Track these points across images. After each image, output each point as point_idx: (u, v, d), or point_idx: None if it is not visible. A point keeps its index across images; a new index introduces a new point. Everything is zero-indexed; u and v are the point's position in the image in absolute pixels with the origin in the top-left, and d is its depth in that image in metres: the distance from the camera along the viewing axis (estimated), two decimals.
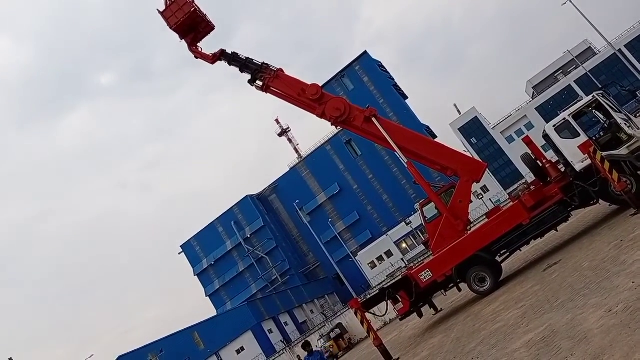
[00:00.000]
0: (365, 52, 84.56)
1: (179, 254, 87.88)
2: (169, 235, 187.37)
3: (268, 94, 17.15)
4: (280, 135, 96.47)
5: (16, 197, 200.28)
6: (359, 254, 71.60)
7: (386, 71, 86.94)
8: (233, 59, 17.37)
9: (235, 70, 17.45)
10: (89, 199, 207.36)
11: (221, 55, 17.51)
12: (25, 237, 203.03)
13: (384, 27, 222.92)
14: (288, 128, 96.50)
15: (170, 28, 17.50)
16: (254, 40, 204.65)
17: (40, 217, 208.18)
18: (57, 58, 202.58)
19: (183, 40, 17.88)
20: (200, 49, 17.98)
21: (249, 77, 17.20)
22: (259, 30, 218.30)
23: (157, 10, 17.59)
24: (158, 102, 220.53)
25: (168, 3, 17.47)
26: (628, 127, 13.15)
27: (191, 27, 17.62)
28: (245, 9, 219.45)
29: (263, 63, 17.06)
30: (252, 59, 17.27)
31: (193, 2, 17.53)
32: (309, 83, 16.61)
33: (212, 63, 17.75)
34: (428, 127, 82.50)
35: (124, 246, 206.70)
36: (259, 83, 17.01)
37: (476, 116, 76.03)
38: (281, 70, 16.93)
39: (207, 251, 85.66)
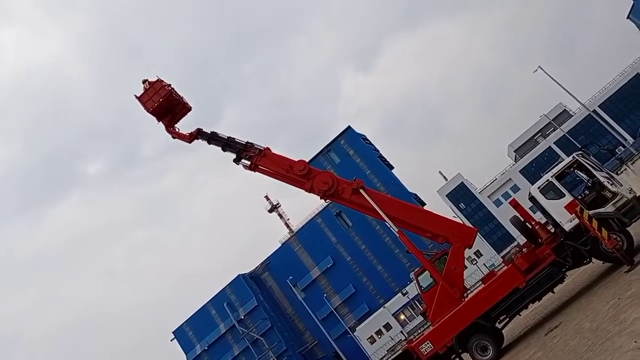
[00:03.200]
0: (349, 127, 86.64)
1: (171, 340, 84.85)
2: (162, 321, 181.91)
3: (256, 172, 17.37)
4: (270, 211, 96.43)
5: (2, 293, 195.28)
6: (357, 329, 69.70)
7: (370, 143, 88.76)
8: (212, 138, 17.71)
9: (219, 150, 17.70)
10: (77, 291, 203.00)
11: (198, 134, 17.90)
12: (13, 333, 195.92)
13: (364, 104, 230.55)
14: (278, 204, 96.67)
15: (147, 111, 18.03)
16: (240, 121, 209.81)
17: (29, 312, 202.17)
18: (43, 150, 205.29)
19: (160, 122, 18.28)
20: (177, 130, 18.38)
21: (233, 156, 17.49)
22: (244, 112, 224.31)
23: (135, 95, 18.17)
24: (146, 186, 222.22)
25: (145, 88, 18.02)
26: (611, 184, 13.42)
27: (167, 109, 18.13)
28: (230, 93, 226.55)
29: (247, 142, 17.39)
30: (235, 138, 17.60)
31: (169, 85, 18.12)
32: (296, 159, 16.91)
33: (190, 142, 18.11)
34: (416, 195, 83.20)
35: (115, 336, 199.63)
36: (247, 162, 17.26)
37: (462, 182, 77.12)
38: (268, 148, 17.25)
39: (200, 336, 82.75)
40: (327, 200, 18.24)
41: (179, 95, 18.43)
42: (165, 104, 17.89)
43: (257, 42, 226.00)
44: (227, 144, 17.47)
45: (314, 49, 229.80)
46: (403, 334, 59.20)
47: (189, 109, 18.74)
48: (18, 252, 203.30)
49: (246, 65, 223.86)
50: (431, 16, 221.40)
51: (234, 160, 17.47)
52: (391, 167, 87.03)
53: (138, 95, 18.08)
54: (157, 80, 18.13)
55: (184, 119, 18.74)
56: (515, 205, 14.96)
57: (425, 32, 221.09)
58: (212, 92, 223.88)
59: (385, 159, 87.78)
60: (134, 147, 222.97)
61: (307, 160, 17.19)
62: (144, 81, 18.22)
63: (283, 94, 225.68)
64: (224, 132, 17.87)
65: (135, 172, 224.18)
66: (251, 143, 17.35)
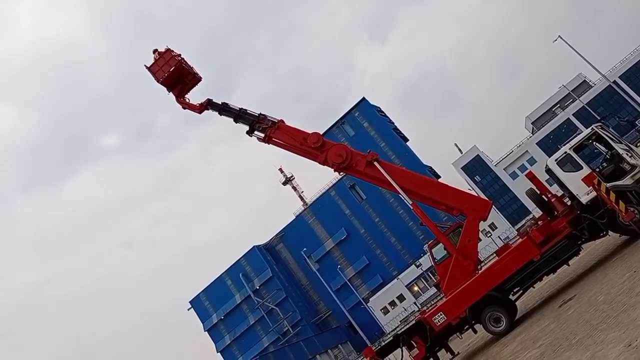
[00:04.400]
0: (364, 98, 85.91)
1: (188, 309, 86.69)
2: (178, 291, 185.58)
3: (270, 144, 17.38)
4: (284, 183, 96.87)
5: (24, 261, 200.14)
6: (370, 300, 70.44)
7: (385, 115, 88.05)
8: (223, 109, 17.71)
9: (232, 122, 17.69)
10: (95, 261, 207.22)
11: (208, 105, 17.95)
12: (33, 301, 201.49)
13: (379, 76, 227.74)
14: (292, 176, 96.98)
15: (158, 82, 18.06)
16: (255, 94, 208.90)
17: (48, 281, 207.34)
18: (61, 123, 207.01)
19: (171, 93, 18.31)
20: (188, 100, 18.42)
21: (246, 128, 17.47)
22: (258, 85, 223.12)
23: (145, 65, 18.16)
24: (162, 159, 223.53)
25: (155, 58, 18.01)
26: (630, 157, 13.20)
27: (178, 79, 18.15)
28: (245, 66, 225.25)
29: (260, 114, 17.35)
30: (247, 110, 17.55)
31: (179, 55, 18.08)
32: (310, 132, 16.86)
33: (200, 112, 18.17)
34: (431, 167, 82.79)
35: (132, 306, 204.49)
36: (260, 134, 17.26)
37: (478, 154, 76.40)
38: (282, 121, 17.20)
39: (216, 305, 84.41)
40: (341, 173, 18.26)
41: (189, 66, 18.41)
42: (175, 74, 17.91)
43: (270, 12, 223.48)
44: (239, 115, 17.46)
45: (328, 20, 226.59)
46: (416, 305, 59.72)
47: (199, 79, 18.74)
48: (34, 225, 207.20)
49: (260, 37, 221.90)
50: None
51: (247, 132, 17.49)
52: (406, 140, 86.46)
53: (148, 65, 18.08)
54: (167, 50, 18.09)
55: (195, 89, 18.72)
56: (532, 177, 14.79)
57: (441, 1, 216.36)
58: (225, 65, 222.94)
59: (400, 131, 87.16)
60: (149, 119, 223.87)
61: (321, 133, 17.13)
62: (154, 51, 18.22)
63: (297, 67, 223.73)
64: (238, 104, 17.84)
65: (151, 144, 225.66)
66: (264, 115, 17.31)
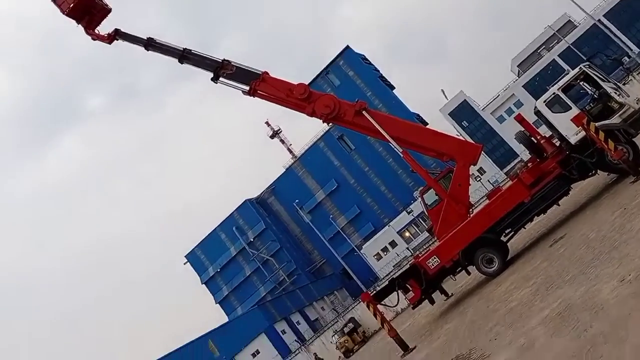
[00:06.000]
0: (348, 46, 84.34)
1: (184, 264, 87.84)
2: (174, 248, 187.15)
3: (256, 97, 17.07)
4: (272, 137, 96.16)
5: (14, 230, 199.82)
6: (363, 247, 71.64)
7: (370, 64, 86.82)
8: (150, 44, 17.35)
9: (215, 80, 17.03)
10: (87, 224, 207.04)
11: (117, 35, 17.85)
12: (27, 269, 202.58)
13: (363, 25, 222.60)
14: (279, 129, 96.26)
15: (63, 14, 17.77)
16: (238, 50, 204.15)
17: (40, 248, 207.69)
18: (44, 87, 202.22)
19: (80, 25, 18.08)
20: (98, 32, 18.17)
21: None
22: (242, 41, 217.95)
23: None
24: (147, 120, 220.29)
25: None
26: (618, 95, 13.23)
27: (85, 11, 17.87)
28: (227, 22, 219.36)
29: (224, 59, 16.80)
30: (192, 50, 17.11)
31: None
32: (296, 83, 16.58)
33: (109, 43, 18.10)
34: (418, 115, 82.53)
35: (130, 264, 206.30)
36: (245, 87, 16.87)
37: (465, 99, 76.06)
38: (266, 72, 16.78)
39: (212, 259, 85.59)
40: (330, 124, 18.06)
41: None
42: (80, 6, 17.62)
43: None
44: (184, 56, 17.10)
45: None
46: (409, 250, 60.89)
47: (108, 10, 18.45)
48: (22, 190, 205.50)
49: None
50: None
51: (212, 79, 17.03)
52: (392, 88, 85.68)
53: None
54: None
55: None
56: (521, 120, 14.81)
57: None
58: (207, 21, 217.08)
59: (386, 79, 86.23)
60: (133, 79, 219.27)
61: (306, 84, 16.85)
62: None
63: (279, 21, 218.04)
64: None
65: (136, 104, 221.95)
66: (228, 60, 16.83)
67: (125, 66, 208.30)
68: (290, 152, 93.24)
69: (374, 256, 69.02)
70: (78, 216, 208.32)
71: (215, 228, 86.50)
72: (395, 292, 15.29)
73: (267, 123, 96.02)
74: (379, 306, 14.77)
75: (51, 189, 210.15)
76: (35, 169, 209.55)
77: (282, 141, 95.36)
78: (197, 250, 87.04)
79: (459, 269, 14.77)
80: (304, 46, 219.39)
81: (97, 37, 18.14)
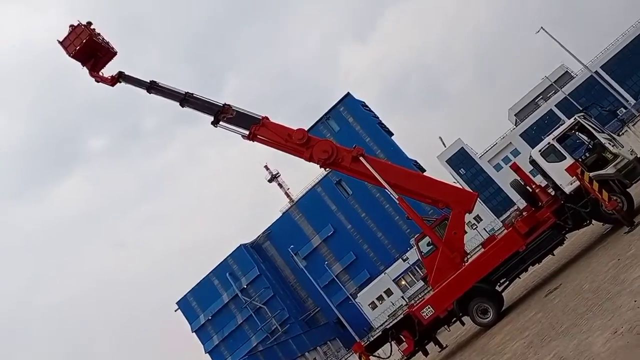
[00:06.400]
0: (348, 93, 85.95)
1: (175, 310, 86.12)
2: (166, 292, 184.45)
3: (255, 142, 17.20)
4: (270, 181, 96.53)
5: (15, 267, 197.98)
6: (358, 295, 70.66)
7: (370, 110, 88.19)
8: (152, 87, 17.55)
9: (214, 123, 17.19)
10: (85, 264, 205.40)
11: (120, 77, 18.05)
12: (25, 306, 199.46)
13: (363, 73, 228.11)
14: (277, 173, 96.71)
15: (69, 56, 18.04)
16: (241, 94, 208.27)
17: (37, 286, 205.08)
18: (48, 127, 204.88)
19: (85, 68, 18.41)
20: (102, 74, 18.43)
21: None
22: (245, 86, 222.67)
23: (57, 40, 18.12)
24: (149, 161, 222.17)
25: (68, 33, 17.98)
26: (612, 146, 13.34)
27: (90, 53, 18.17)
28: (231, 67, 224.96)
29: (225, 104, 16.98)
30: (194, 94, 17.30)
31: (88, 28, 18.03)
32: (295, 128, 16.75)
33: (112, 85, 18.29)
34: (416, 161, 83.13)
35: (121, 307, 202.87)
36: (245, 132, 17.03)
37: (462, 147, 76.89)
38: (266, 117, 16.99)
39: (203, 306, 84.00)
40: (327, 169, 18.13)
41: (104, 40, 18.39)
42: (86, 48, 17.91)
43: (254, 15, 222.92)
44: (185, 99, 17.28)
45: (310, 21, 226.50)
46: (404, 299, 60.01)
47: (114, 53, 18.73)
48: (24, 230, 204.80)
49: (244, 39, 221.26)
50: None
51: (212, 123, 17.18)
52: (391, 134, 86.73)
53: (60, 40, 18.02)
54: (79, 24, 18.04)
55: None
56: (516, 168, 14.87)
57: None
58: (212, 66, 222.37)
59: (385, 126, 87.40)
60: (136, 121, 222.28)
61: (306, 129, 17.04)
62: (70, 26, 18.13)
63: (282, 67, 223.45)
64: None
65: (138, 145, 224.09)
66: (229, 105, 17.02)
67: (128, 107, 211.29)
68: (288, 196, 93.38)
69: (369, 305, 68.01)
70: (76, 256, 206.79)
71: (209, 274, 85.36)
72: (389, 343, 14.93)
73: (265, 167, 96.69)
74: (371, 358, 14.42)
75: (49, 230, 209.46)
76: (38, 208, 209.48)
77: (280, 185, 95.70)
78: (189, 297, 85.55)
79: (454, 319, 14.47)
80: (304, 93, 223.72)
81: (100, 79, 18.42)
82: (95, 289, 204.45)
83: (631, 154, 13.32)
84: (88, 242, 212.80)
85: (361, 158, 15.92)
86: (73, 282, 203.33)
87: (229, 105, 17.08)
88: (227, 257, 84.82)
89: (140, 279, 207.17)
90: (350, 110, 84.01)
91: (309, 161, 16.56)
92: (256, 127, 16.79)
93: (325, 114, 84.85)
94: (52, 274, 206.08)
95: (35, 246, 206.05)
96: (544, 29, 52.10)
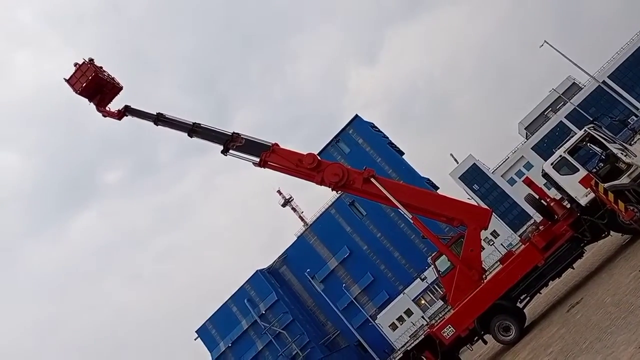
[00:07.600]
0: (357, 115, 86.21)
1: (195, 339, 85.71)
2: (186, 322, 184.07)
3: (266, 168, 17.34)
4: (283, 205, 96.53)
5: (32, 302, 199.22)
6: (378, 316, 69.82)
7: (379, 131, 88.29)
8: (159, 119, 17.88)
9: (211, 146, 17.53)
10: (103, 299, 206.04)
11: (126, 111, 18.45)
12: (43, 341, 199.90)
13: (371, 95, 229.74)
14: (291, 197, 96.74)
15: (76, 93, 18.40)
16: (252, 122, 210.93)
17: (56, 321, 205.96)
18: (63, 165, 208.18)
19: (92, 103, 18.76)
20: (108, 109, 18.79)
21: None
22: (255, 114, 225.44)
23: (64, 78, 18.48)
24: (164, 193, 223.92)
25: (74, 71, 18.38)
26: (625, 155, 13.24)
27: (97, 90, 18.55)
28: (240, 96, 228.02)
29: (234, 132, 17.25)
30: (201, 124, 17.61)
31: (93, 64, 18.42)
32: (305, 153, 16.87)
33: (119, 119, 18.68)
34: (429, 179, 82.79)
35: (141, 338, 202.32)
36: (255, 159, 17.18)
37: (474, 163, 76.55)
38: (276, 144, 17.17)
39: (223, 333, 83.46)
40: (340, 191, 18.16)
41: (109, 76, 18.79)
42: (92, 85, 18.27)
43: (261, 42, 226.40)
44: (193, 130, 17.58)
45: (317, 46, 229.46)
46: (424, 318, 59.21)
47: (119, 88, 19.12)
48: (41, 267, 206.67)
49: (253, 66, 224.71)
50: (432, 1, 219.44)
51: (222, 152, 17.43)
52: (402, 153, 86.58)
53: (67, 78, 18.37)
54: (84, 62, 18.43)
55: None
56: (529, 183, 14.78)
57: (427, 18, 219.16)
58: (221, 95, 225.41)
59: (396, 145, 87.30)
60: (151, 154, 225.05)
61: (316, 153, 17.14)
62: (75, 64, 18.47)
63: (291, 93, 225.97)
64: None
65: (153, 179, 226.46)
66: (237, 133, 17.24)
67: (142, 140, 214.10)
68: (302, 219, 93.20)
69: (389, 326, 67.09)
70: (94, 291, 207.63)
71: (227, 301, 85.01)
72: None
73: (278, 192, 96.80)
74: None
75: (69, 266, 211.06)
76: (55, 245, 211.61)
77: (294, 209, 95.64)
78: (208, 324, 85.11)
79: (476, 337, 14.27)
80: (314, 118, 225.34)
81: (107, 113, 18.81)
82: (112, 322, 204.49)
83: None
84: (106, 278, 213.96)
85: (372, 179, 15.97)
86: (91, 319, 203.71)
87: (237, 133, 17.29)
88: (245, 283, 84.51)
89: (159, 312, 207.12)
90: (359, 132, 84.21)
91: (321, 185, 16.66)
92: (267, 154, 16.96)
93: (335, 136, 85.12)
94: (70, 310, 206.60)
95: (53, 283, 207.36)
96: (547, 43, 52.20)
